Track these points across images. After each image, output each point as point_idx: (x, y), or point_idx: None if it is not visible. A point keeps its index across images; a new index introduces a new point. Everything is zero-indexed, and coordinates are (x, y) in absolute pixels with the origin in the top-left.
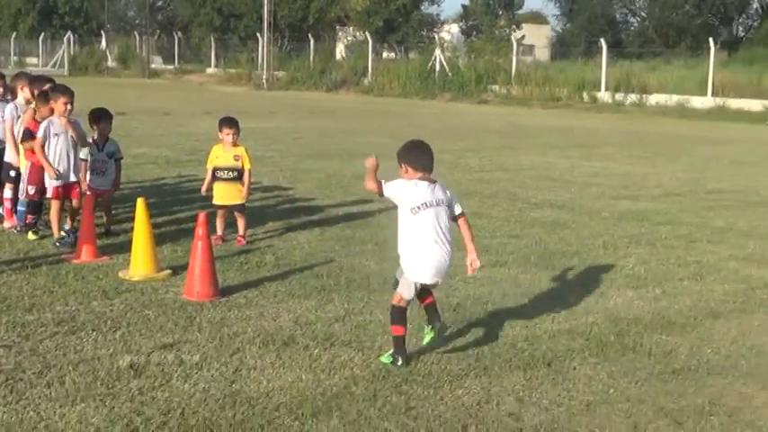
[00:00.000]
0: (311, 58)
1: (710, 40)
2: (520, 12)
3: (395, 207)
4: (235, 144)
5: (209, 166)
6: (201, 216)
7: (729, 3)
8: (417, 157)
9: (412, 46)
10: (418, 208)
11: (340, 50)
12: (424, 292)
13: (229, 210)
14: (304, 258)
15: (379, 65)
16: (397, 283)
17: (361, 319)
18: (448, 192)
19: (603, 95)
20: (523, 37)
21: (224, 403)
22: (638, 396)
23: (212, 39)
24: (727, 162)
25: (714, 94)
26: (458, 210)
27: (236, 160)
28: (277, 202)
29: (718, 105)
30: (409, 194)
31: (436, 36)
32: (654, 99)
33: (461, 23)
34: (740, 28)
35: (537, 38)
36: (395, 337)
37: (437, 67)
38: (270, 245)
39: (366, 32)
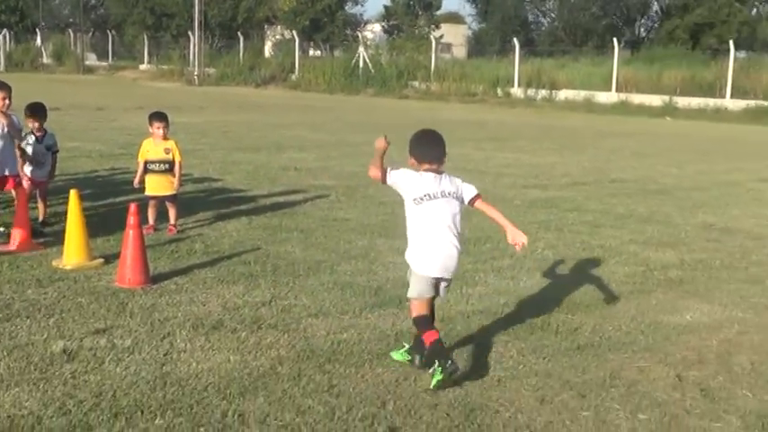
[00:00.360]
0: (241, 55)
1: (615, 39)
2: (438, 12)
3: (319, 197)
4: (165, 137)
5: (141, 159)
6: (133, 206)
7: (632, 5)
8: (424, 148)
9: (337, 44)
10: (421, 199)
11: (268, 48)
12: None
13: (161, 200)
14: (232, 246)
15: (306, 62)
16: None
17: (287, 303)
18: (457, 182)
19: (516, 91)
20: (442, 36)
21: (154, 385)
22: (545, 371)
23: (145, 36)
24: (629, 153)
25: (618, 90)
26: (471, 193)
27: (167, 153)
28: (207, 192)
29: (622, 100)
30: (411, 185)
31: (360, 35)
32: (563, 94)
33: (383, 23)
34: (642, 29)
35: (454, 36)
36: (431, 345)
37: (361, 64)
38: (200, 233)
39: (293, 31)
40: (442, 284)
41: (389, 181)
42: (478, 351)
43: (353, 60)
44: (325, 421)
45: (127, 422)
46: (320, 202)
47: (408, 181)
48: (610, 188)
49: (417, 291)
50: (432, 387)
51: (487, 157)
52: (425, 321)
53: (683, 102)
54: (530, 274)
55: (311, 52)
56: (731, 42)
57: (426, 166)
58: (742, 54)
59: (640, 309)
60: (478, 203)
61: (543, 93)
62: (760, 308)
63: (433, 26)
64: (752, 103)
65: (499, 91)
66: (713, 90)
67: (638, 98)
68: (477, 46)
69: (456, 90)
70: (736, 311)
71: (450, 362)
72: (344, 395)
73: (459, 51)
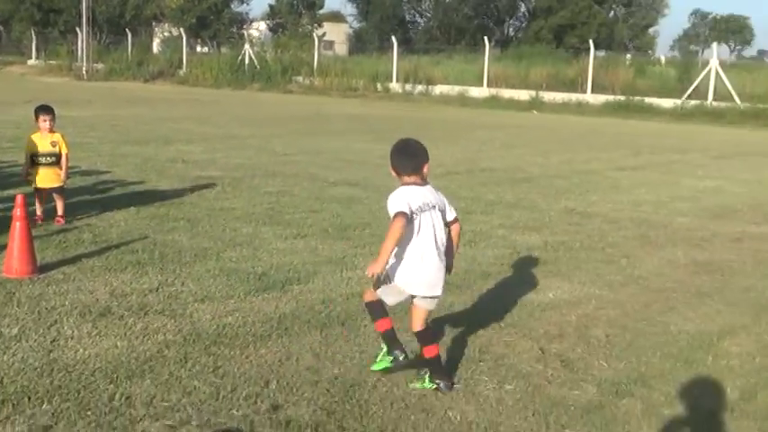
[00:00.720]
0: (129, 51)
1: (486, 38)
2: (321, 11)
3: (206, 187)
4: (52, 130)
5: (28, 153)
6: (19, 198)
7: (501, 7)
8: (402, 160)
9: (223, 41)
10: (413, 213)
11: (156, 45)
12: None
13: (49, 192)
14: (120, 235)
15: (193, 58)
16: (378, 284)
17: (174, 289)
18: (439, 195)
19: (395, 86)
20: (324, 34)
21: (42, 371)
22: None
23: (33, 32)
24: (498, 144)
25: (489, 85)
26: (452, 215)
27: (54, 146)
28: (95, 184)
29: (492, 95)
30: (410, 201)
31: (245, 32)
32: (438, 89)
33: (268, 21)
34: (511, 29)
35: (336, 34)
36: (384, 334)
37: (246, 61)
38: (88, 224)
39: (180, 28)
40: (429, 299)
41: (407, 210)
42: (357, 331)
43: (240, 57)
44: (211, 401)
45: (14, 408)
46: (207, 193)
47: (408, 201)
48: (480, 177)
49: (383, 292)
50: (373, 368)
51: (367, 149)
52: (378, 308)
53: (548, 96)
54: None
55: (198, 49)
56: (591, 42)
57: (406, 178)
58: (601, 53)
59: (507, 288)
60: (453, 227)
61: (420, 88)
62: (615, 285)
63: (315, 25)
64: (610, 97)
65: (379, 86)
66: (575, 86)
67: (507, 93)
68: (358, 44)
69: (338, 85)
70: (593, 289)
71: (398, 353)
72: (229, 375)
73: (341, 49)
